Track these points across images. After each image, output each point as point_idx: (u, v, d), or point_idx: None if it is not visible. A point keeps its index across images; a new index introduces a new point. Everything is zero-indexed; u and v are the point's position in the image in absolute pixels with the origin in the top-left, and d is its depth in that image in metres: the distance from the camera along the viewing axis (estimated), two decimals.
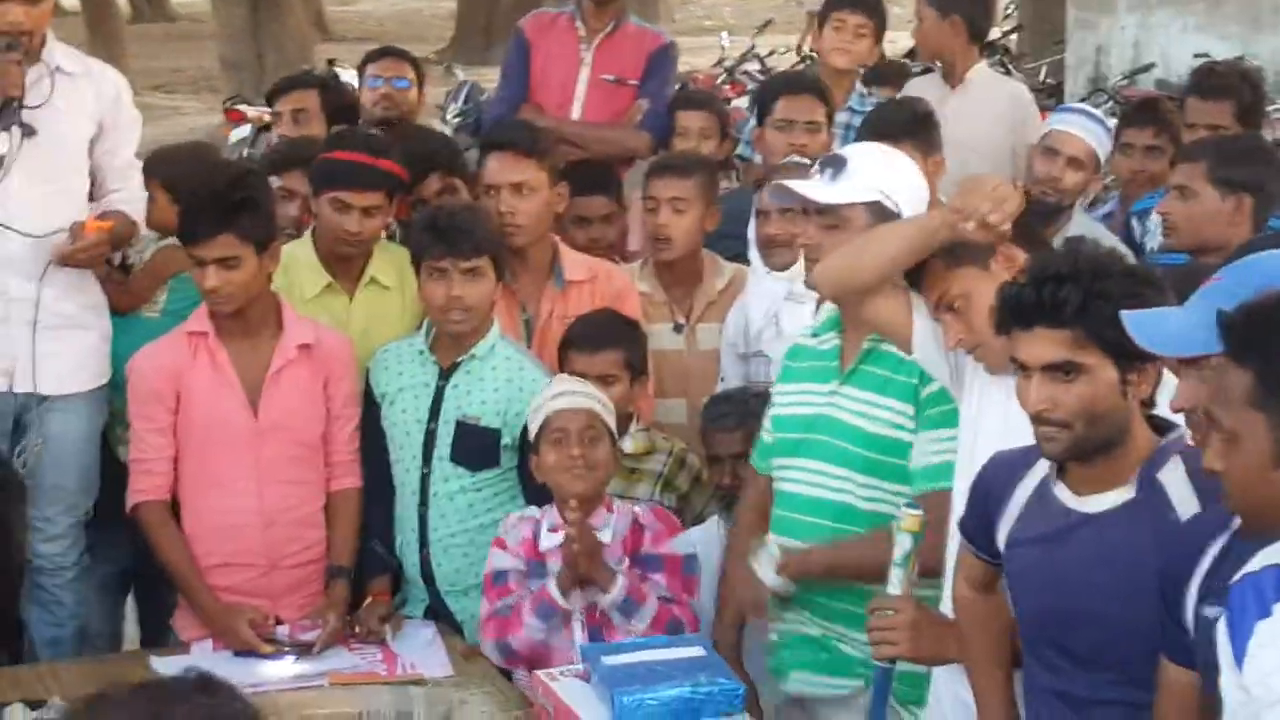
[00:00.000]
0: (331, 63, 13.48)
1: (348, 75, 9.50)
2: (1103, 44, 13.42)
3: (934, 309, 4.05)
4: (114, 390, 5.48)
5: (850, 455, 4.47)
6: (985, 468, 3.73)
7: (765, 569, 4.47)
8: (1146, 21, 13.16)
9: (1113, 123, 6.85)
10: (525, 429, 4.96)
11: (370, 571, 5.19)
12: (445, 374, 5.18)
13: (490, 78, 11.26)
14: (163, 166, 5.82)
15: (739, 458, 5.04)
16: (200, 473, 5.10)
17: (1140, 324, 3.22)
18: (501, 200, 5.55)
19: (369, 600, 5.12)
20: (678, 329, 5.82)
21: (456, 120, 12.62)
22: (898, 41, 16.06)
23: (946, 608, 3.97)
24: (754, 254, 5.64)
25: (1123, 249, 4.73)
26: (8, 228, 5.30)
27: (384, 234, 5.69)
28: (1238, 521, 3.06)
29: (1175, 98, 7.07)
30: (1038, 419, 3.45)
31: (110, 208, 5.48)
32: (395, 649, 4.98)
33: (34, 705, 4.52)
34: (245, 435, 5.09)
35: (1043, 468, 3.58)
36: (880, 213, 4.35)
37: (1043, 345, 3.42)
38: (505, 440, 5.11)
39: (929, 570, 4.05)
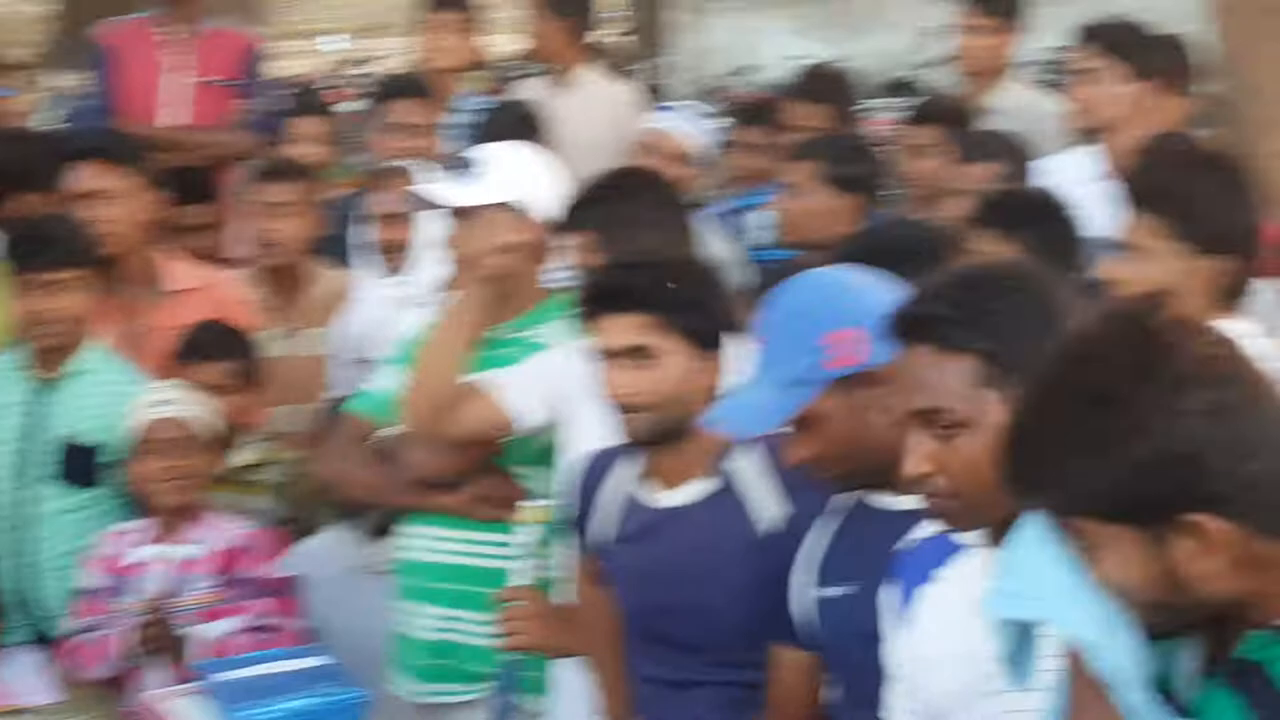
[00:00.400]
0: None
1: None
2: (705, 47, 13.68)
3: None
4: None
5: None
6: (573, 469, 3.84)
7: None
8: (746, 25, 13.47)
9: (715, 123, 6.96)
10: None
11: None
12: (42, 391, 5.00)
13: (78, 87, 10.97)
14: None
15: None
16: None
17: (723, 418, 3.24)
18: (89, 209, 5.39)
19: None
20: (285, 335, 5.76)
21: (44, 129, 12.26)
22: (507, 44, 16.07)
23: None
24: (362, 258, 5.58)
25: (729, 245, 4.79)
26: None
27: None
28: (843, 506, 3.18)
29: (779, 99, 7.24)
30: (616, 404, 3.56)
31: None
32: None
33: None
34: None
35: (627, 466, 3.68)
36: (515, 211, 4.33)
37: (621, 329, 3.53)
38: (110, 456, 4.95)
39: None
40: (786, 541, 3.37)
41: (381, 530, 4.81)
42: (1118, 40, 5.60)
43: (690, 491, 3.59)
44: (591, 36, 7.74)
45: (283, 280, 5.82)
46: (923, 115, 6.43)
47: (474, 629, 4.31)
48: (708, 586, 3.52)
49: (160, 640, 4.53)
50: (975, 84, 6.79)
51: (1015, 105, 6.60)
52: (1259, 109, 6.44)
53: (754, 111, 7.17)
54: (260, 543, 4.76)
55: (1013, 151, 5.50)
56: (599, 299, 3.59)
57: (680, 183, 5.52)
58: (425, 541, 4.44)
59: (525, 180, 4.40)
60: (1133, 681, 2.25)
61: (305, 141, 6.64)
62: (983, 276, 2.79)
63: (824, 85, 6.65)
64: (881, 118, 8.84)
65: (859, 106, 7.15)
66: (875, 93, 10.68)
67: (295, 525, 5.04)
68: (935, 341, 2.66)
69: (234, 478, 5.01)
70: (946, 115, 6.21)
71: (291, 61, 15.78)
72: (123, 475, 4.89)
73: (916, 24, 13.73)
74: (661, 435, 3.57)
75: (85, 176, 5.48)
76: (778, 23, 13.16)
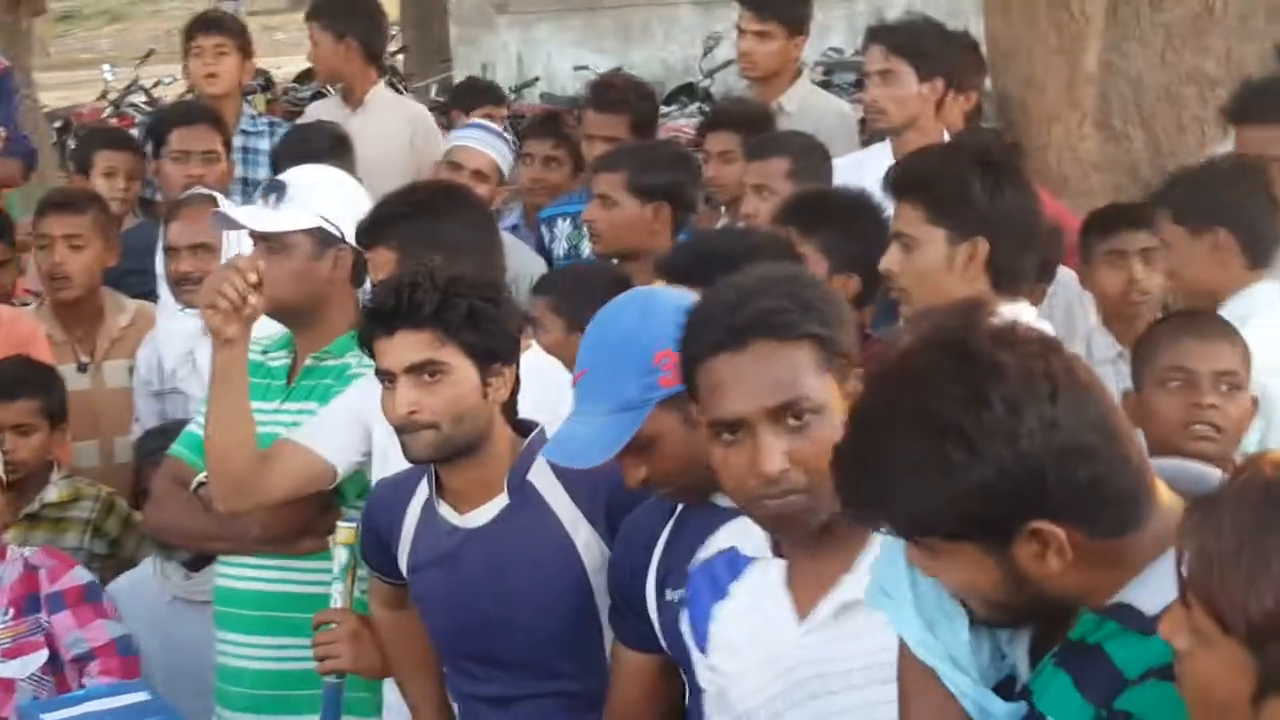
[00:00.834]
0: None
1: None
2: (488, 60, 13.67)
3: None
4: None
5: None
6: (371, 498, 3.81)
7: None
8: (528, 37, 13.50)
9: (508, 136, 6.97)
10: None
11: None
12: None
13: None
14: None
15: None
16: None
17: (561, 451, 3.24)
18: None
19: None
20: (82, 369, 5.66)
21: None
22: (287, 66, 15.95)
23: None
24: (163, 289, 5.49)
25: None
26: None
27: None
28: (680, 507, 3.19)
29: (569, 110, 7.26)
30: (403, 424, 3.51)
31: None
32: None
33: None
34: None
35: (424, 491, 3.64)
36: (323, 237, 4.29)
37: (405, 347, 3.49)
38: None
39: None
40: (592, 549, 3.41)
41: (200, 561, 4.76)
42: (903, 42, 5.70)
43: (489, 510, 3.57)
44: (379, 56, 7.68)
45: (81, 313, 5.72)
46: (716, 121, 6.49)
47: (299, 655, 4.23)
48: (516, 603, 3.51)
49: None
50: (762, 88, 6.86)
51: (802, 107, 6.68)
52: (1036, 103, 6.57)
53: (544, 123, 7.18)
54: (52, 559, 4.67)
55: (802, 149, 5.57)
56: (383, 317, 3.53)
57: (484, 198, 5.53)
58: (245, 570, 4.39)
59: (334, 203, 4.36)
60: (960, 669, 2.32)
61: (112, 175, 6.52)
62: (785, 273, 2.89)
63: (618, 95, 6.67)
64: (676, 124, 8.91)
65: (656, 115, 7.19)
66: (667, 100, 10.76)
67: (110, 561, 4.95)
68: (775, 334, 2.71)
69: (45, 515, 4.92)
70: (739, 120, 6.26)
71: (75, 92, 15.50)
72: None
73: (703, 32, 13.85)
74: (453, 453, 3.53)
75: None
76: (564, 34, 13.19)
